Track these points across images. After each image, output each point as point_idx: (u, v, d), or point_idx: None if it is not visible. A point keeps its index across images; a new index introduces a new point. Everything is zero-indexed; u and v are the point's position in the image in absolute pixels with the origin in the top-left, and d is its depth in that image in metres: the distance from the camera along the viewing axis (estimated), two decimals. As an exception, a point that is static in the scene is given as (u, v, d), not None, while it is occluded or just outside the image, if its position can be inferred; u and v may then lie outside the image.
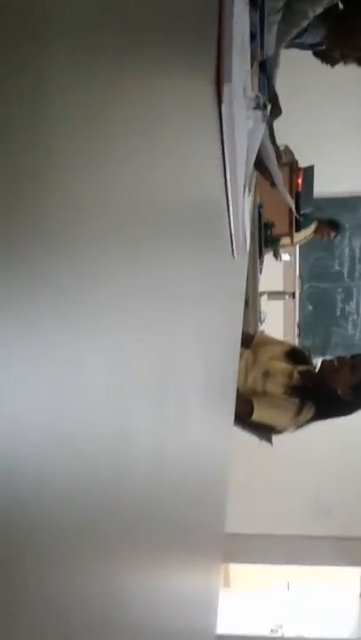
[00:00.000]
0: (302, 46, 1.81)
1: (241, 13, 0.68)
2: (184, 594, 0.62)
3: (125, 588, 0.33)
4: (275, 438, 2.30)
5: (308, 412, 2.19)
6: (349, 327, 5.48)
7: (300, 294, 5.35)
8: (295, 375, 2.23)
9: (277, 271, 5.20)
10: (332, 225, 4.53)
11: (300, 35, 1.72)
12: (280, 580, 6.34)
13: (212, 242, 0.67)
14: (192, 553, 0.64)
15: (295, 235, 4.24)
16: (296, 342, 5.49)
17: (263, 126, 0.87)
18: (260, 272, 3.81)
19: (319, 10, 1.46)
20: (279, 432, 2.27)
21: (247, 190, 1.17)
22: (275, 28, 1.24)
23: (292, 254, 5.12)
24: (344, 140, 4.88)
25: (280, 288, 5.24)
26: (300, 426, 2.22)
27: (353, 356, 2.31)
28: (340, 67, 2.31)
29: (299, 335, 5.52)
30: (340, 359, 2.28)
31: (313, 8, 1.44)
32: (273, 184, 1.61)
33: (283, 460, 3.80)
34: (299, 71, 3.44)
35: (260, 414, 2.15)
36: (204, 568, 0.82)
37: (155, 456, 0.39)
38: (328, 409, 2.26)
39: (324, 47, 1.80)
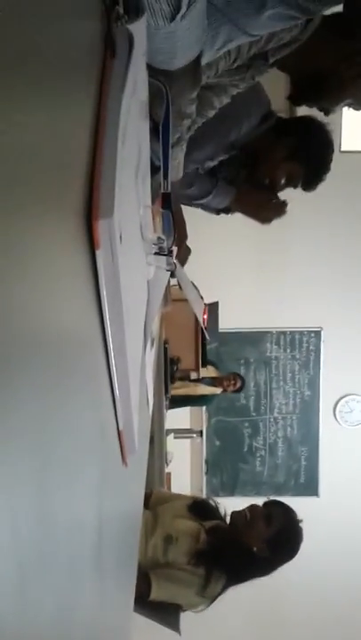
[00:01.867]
0: (208, 209, 1.80)
1: (131, 132, 0.50)
2: None
3: None
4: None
5: (218, 582, 1.88)
6: (257, 464, 5.33)
7: (207, 428, 5.19)
8: (202, 536, 1.94)
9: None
10: (237, 376, 4.55)
11: (205, 196, 1.70)
12: None
13: (84, 454, 0.43)
14: None
15: (204, 370, 4.23)
16: (204, 480, 5.24)
17: (167, 274, 0.69)
18: (166, 409, 3.64)
19: (225, 100, 1.38)
20: (187, 610, 1.92)
21: (149, 344, 0.97)
22: (182, 147, 1.11)
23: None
24: (246, 279, 5.04)
25: (187, 424, 5.07)
26: (211, 600, 1.89)
27: (266, 505, 2.07)
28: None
29: (207, 472, 5.29)
30: (251, 509, 2.03)
31: (219, 98, 1.36)
32: None
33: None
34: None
35: (159, 592, 1.81)
36: None
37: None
38: (244, 571, 1.96)
39: (230, 213, 1.79)
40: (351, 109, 1.43)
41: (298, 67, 1.30)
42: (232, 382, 4.47)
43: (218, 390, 4.43)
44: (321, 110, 1.45)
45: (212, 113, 1.38)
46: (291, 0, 0.84)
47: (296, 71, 1.35)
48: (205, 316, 4.06)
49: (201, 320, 2.00)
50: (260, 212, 1.75)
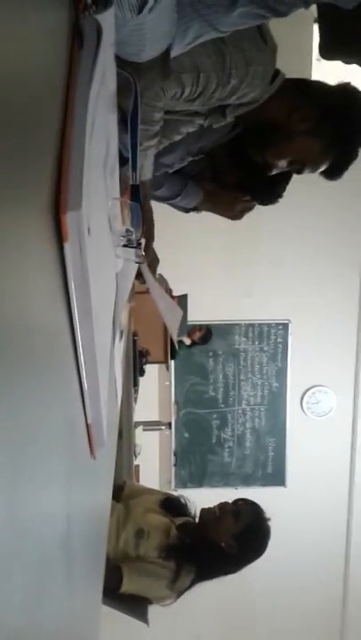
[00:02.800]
0: (177, 207, 1.82)
1: (99, 124, 0.49)
2: None
3: None
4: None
5: (187, 576, 1.91)
6: (225, 455, 5.38)
7: (176, 421, 5.21)
8: (173, 531, 1.96)
9: (153, 397, 5.07)
10: (203, 326, 4.59)
11: (174, 197, 1.72)
12: None
13: (51, 446, 0.43)
14: None
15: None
16: (173, 472, 5.26)
17: (136, 266, 0.69)
18: (135, 402, 3.64)
19: (191, 129, 1.43)
20: (155, 603, 1.94)
21: (118, 336, 0.97)
22: (151, 152, 1.14)
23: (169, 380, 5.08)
24: (215, 272, 5.06)
25: (155, 416, 5.08)
26: (179, 594, 1.91)
27: (235, 502, 2.11)
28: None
29: (175, 464, 5.32)
30: (221, 506, 2.06)
31: (185, 127, 1.42)
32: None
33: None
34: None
35: (130, 585, 1.83)
36: None
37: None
38: (212, 567, 1.99)
39: (198, 212, 1.82)
40: (293, 171, 1.49)
41: (250, 117, 1.36)
42: (197, 330, 4.57)
43: (187, 340, 4.47)
44: (264, 168, 1.50)
45: (178, 137, 1.44)
46: (261, 0, 0.85)
47: (248, 121, 1.42)
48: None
49: (174, 335, 2.00)
50: (228, 210, 1.79)
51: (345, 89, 1.44)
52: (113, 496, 1.83)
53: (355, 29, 0.99)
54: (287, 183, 1.69)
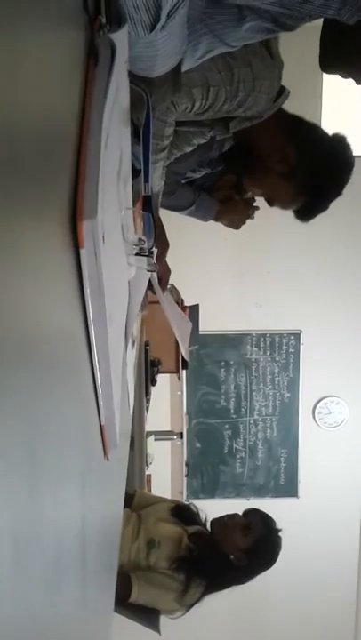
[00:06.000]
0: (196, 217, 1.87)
1: (114, 137, 0.52)
2: None
3: None
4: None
5: (196, 590, 1.90)
6: (237, 465, 5.36)
7: (187, 431, 5.21)
8: (184, 541, 1.95)
9: (165, 407, 5.08)
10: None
11: (186, 207, 1.76)
12: None
13: (68, 448, 0.44)
14: None
15: None
16: (184, 483, 5.26)
17: (148, 275, 0.71)
18: (147, 411, 3.65)
19: (202, 140, 1.47)
20: (164, 615, 1.94)
21: (130, 344, 0.98)
22: (160, 165, 1.18)
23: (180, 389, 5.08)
24: (226, 282, 5.08)
25: (167, 426, 5.09)
26: (188, 608, 1.91)
27: (246, 513, 2.10)
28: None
29: (187, 475, 5.31)
30: (231, 518, 2.05)
31: (196, 138, 1.46)
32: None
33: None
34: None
35: (139, 595, 1.83)
36: None
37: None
38: (221, 579, 1.98)
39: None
40: (266, 201, 1.53)
41: (244, 137, 1.41)
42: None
43: None
44: (238, 188, 1.55)
45: (189, 149, 1.48)
46: (269, 14, 0.87)
47: (241, 138, 1.46)
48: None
49: (184, 350, 2.02)
50: (241, 220, 1.83)
51: (335, 142, 1.48)
52: (125, 504, 1.84)
53: (355, 43, 1.01)
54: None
